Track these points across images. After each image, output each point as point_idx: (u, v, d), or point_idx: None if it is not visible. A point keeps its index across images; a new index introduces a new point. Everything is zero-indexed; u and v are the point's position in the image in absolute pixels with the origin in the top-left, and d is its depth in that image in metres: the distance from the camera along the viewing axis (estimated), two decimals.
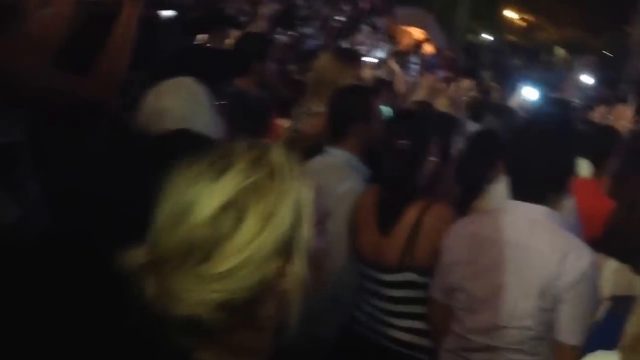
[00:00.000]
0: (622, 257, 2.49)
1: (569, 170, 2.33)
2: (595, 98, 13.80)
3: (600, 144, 3.57)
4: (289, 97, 4.26)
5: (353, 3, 14.83)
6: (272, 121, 3.40)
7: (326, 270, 1.69)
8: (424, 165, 2.53)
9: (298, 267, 1.13)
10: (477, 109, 7.01)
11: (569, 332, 2.12)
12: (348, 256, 2.69)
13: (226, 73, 3.75)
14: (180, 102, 2.82)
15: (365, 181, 2.83)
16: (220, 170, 1.10)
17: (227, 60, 3.85)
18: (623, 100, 12.60)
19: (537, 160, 2.22)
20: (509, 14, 21.62)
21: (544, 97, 7.78)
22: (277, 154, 1.14)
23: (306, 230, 1.14)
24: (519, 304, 2.18)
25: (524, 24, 21.97)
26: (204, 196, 1.08)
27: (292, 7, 12.04)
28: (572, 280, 2.10)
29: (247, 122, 3.00)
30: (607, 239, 2.81)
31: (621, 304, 1.95)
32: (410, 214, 2.48)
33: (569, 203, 2.65)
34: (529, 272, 2.16)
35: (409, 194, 2.51)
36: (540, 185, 2.22)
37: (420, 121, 2.67)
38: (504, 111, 5.44)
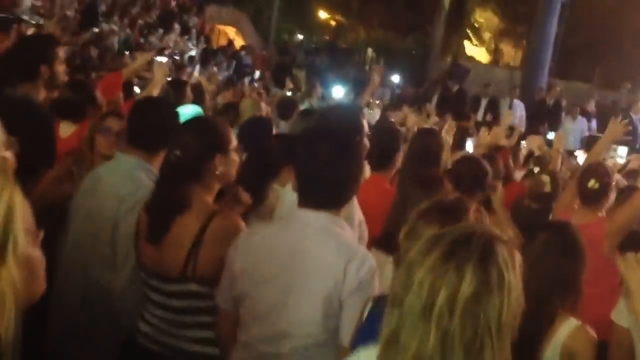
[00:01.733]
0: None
1: (356, 176, 2.33)
2: (401, 97, 14.63)
3: (383, 143, 3.66)
4: (73, 99, 4.05)
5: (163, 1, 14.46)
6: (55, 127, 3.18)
7: (41, 279, 1.64)
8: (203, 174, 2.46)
9: (11, 271, 1.18)
10: (286, 109, 7.11)
11: (348, 336, 2.12)
12: (133, 266, 2.58)
13: (6, 78, 3.50)
14: None
15: None
16: None
17: (7, 64, 3.58)
18: (428, 99, 13.49)
19: (322, 167, 2.22)
20: (321, 14, 22.20)
21: (351, 98, 8.05)
22: None
23: (20, 236, 1.19)
24: (303, 311, 2.18)
25: (335, 24, 22.68)
26: None
27: (94, 3, 11.47)
28: (354, 287, 2.13)
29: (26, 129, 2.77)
30: (385, 237, 2.90)
31: (383, 301, 2.00)
32: (191, 224, 2.41)
33: (352, 205, 2.70)
34: (313, 280, 2.16)
35: (181, 203, 2.42)
36: (325, 191, 2.23)
37: (197, 132, 2.53)
38: (310, 112, 5.45)
